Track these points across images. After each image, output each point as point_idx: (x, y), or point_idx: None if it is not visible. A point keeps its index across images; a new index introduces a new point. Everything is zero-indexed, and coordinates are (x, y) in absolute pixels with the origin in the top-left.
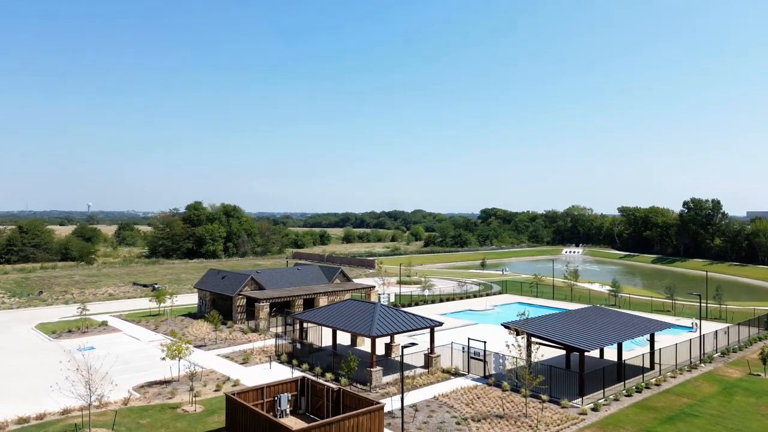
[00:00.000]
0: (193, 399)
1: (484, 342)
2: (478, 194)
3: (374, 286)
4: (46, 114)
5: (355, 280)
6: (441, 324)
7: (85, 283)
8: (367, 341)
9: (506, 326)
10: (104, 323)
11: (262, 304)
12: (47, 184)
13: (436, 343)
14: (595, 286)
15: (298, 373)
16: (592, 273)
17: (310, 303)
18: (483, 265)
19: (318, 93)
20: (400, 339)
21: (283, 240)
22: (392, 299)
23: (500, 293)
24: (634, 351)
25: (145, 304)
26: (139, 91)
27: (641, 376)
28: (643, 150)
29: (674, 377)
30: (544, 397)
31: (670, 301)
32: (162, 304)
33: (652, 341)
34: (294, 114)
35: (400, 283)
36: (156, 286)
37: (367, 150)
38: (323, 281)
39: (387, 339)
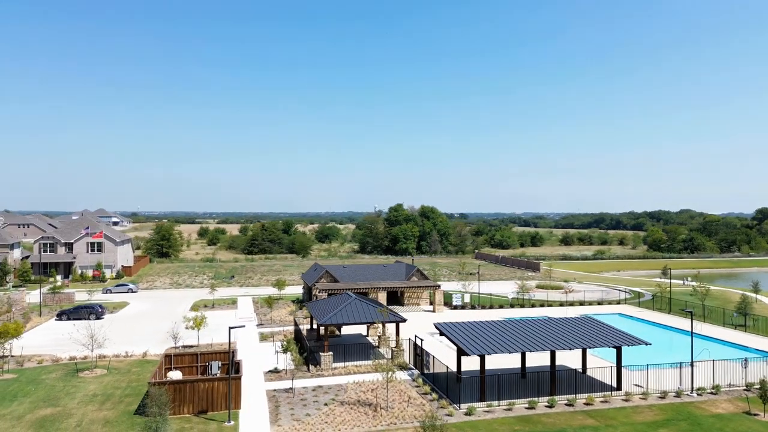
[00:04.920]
0: None
1: (422, 340)
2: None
3: (439, 285)
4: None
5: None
6: (405, 320)
7: (273, 271)
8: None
9: (436, 326)
10: (234, 302)
11: (320, 294)
12: (345, 191)
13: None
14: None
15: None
16: None
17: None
18: (664, 274)
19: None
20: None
21: (479, 240)
22: (467, 299)
23: (618, 303)
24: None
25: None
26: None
27: (574, 394)
28: None
29: (627, 400)
30: (434, 395)
31: None
32: (281, 291)
33: (618, 357)
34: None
35: (539, 287)
36: None
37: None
38: (400, 278)
39: (380, 331)
